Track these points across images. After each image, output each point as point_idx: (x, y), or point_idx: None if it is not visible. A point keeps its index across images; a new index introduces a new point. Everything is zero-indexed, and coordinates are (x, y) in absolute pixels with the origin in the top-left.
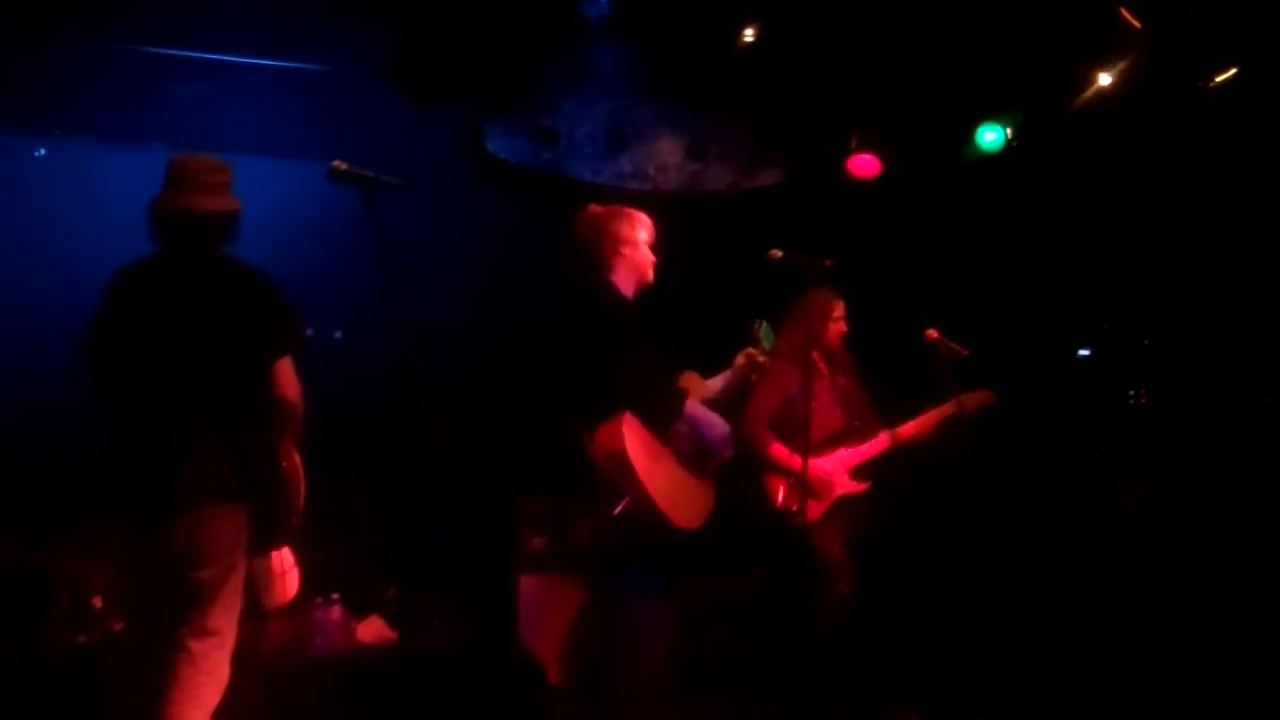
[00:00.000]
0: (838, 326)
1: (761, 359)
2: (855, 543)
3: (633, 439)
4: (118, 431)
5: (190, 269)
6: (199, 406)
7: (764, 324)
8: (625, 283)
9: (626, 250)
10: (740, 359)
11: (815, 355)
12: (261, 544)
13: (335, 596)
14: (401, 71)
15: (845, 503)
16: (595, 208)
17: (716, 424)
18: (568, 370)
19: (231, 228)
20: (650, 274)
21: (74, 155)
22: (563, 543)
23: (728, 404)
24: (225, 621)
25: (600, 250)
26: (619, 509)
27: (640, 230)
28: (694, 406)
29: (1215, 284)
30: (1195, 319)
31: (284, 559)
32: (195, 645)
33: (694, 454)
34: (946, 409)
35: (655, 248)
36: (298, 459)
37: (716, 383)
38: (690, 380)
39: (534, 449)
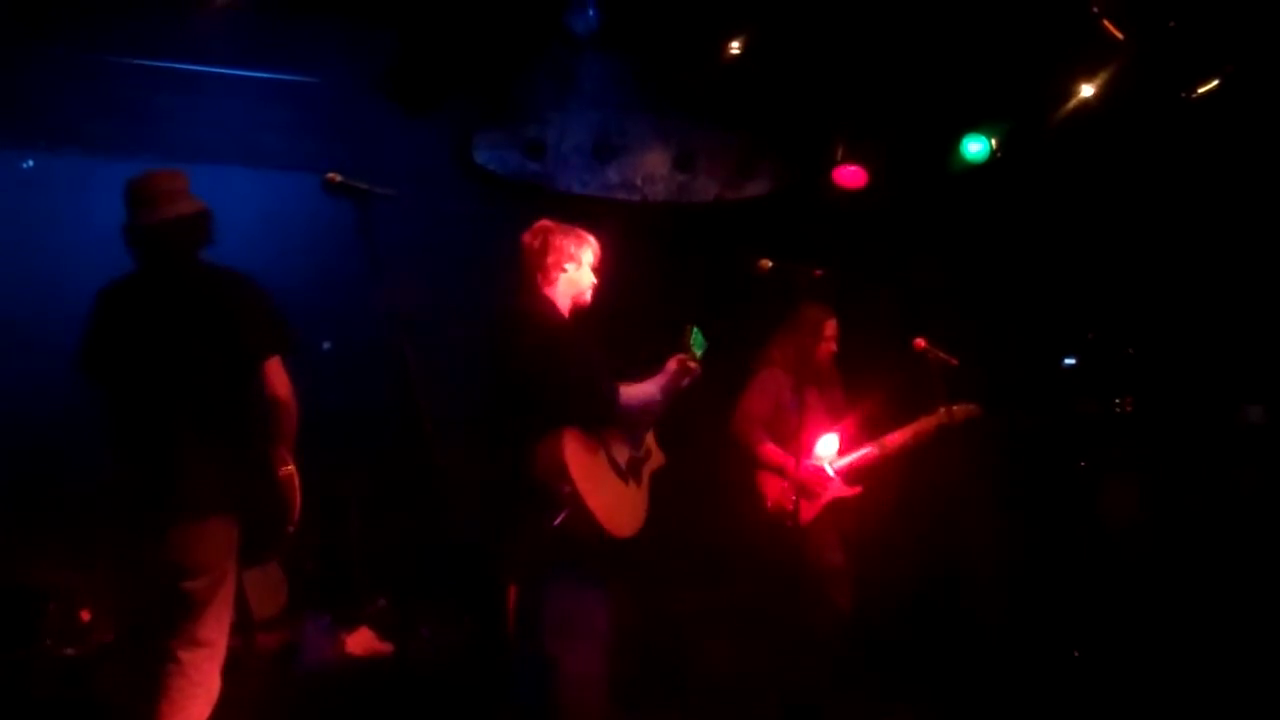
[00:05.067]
0: (829, 343)
1: (693, 364)
2: (854, 554)
3: (573, 453)
4: (114, 447)
5: (172, 280)
6: (191, 418)
7: (695, 329)
8: (562, 299)
9: (570, 267)
10: (672, 364)
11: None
12: (254, 555)
13: (324, 609)
14: (391, 82)
15: (839, 507)
16: (546, 222)
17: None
18: (506, 387)
19: (204, 230)
20: (589, 296)
21: (62, 167)
22: (507, 554)
23: (664, 408)
24: (216, 633)
25: (543, 263)
26: (559, 520)
27: (586, 251)
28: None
29: (1199, 293)
30: (1180, 327)
31: (274, 571)
32: (185, 656)
33: (629, 463)
34: (935, 419)
35: (600, 272)
36: (293, 467)
37: (647, 387)
38: None
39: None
